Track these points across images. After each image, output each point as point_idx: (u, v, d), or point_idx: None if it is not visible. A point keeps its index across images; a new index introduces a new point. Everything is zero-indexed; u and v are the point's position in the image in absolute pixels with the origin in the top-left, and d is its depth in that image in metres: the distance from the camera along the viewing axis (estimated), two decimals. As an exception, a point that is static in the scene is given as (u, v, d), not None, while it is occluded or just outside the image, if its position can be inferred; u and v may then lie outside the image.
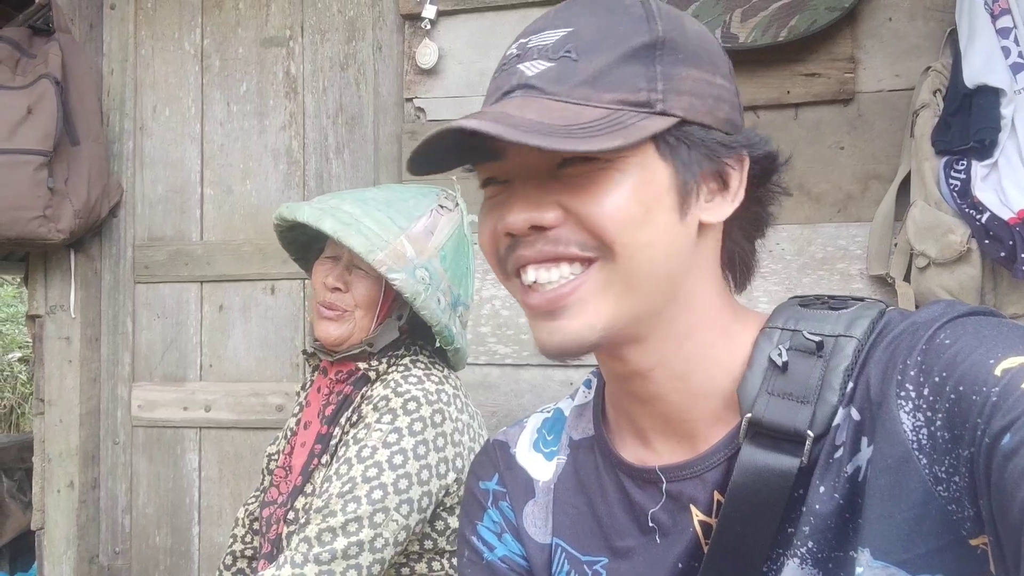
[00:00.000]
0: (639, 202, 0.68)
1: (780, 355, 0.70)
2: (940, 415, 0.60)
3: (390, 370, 1.49)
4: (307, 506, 1.42)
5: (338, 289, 1.49)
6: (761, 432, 0.69)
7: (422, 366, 1.50)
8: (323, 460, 1.46)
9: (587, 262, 0.69)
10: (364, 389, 1.48)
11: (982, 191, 1.75)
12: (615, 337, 0.71)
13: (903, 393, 0.62)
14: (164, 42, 2.61)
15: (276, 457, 1.65)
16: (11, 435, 5.56)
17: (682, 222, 0.70)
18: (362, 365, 1.49)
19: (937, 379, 0.60)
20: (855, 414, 0.66)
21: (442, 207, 1.54)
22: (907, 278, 1.90)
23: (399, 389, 1.41)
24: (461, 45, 2.29)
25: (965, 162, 1.79)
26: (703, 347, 0.75)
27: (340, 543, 1.29)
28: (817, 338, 0.69)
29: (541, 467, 0.89)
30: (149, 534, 2.57)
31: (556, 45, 0.70)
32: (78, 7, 2.58)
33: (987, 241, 1.74)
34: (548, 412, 0.94)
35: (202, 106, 2.58)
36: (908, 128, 1.95)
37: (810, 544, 0.66)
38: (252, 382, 2.50)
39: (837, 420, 0.66)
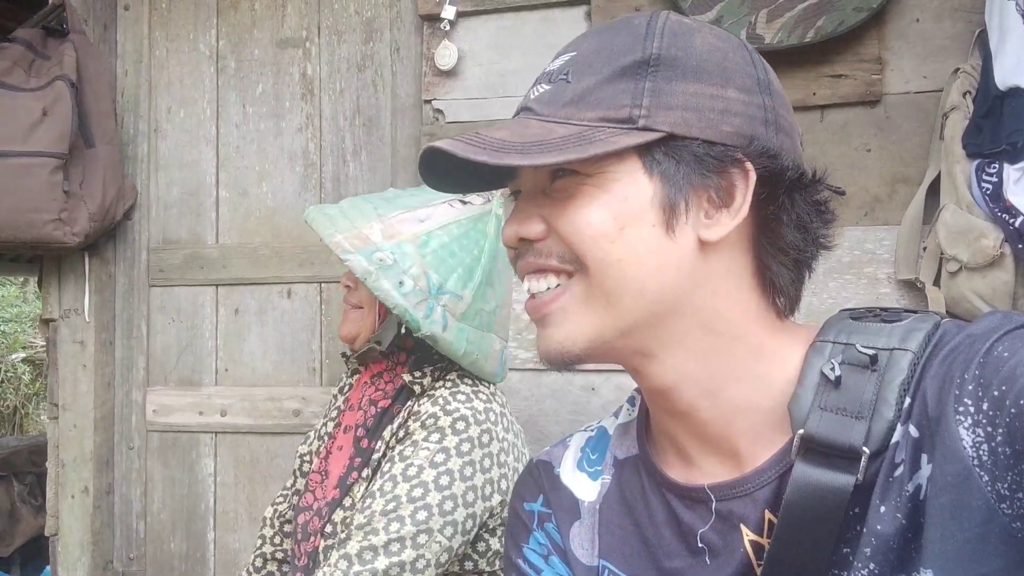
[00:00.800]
0: (612, 217, 0.69)
1: (833, 369, 0.69)
2: (1001, 430, 0.58)
3: (437, 385, 1.47)
4: (346, 520, 1.40)
5: (349, 287, 1.56)
6: (814, 449, 0.67)
7: (470, 382, 1.48)
8: (364, 474, 1.44)
9: (568, 275, 0.73)
10: (410, 404, 1.46)
11: (1015, 194, 1.72)
12: (606, 350, 0.73)
13: (961, 408, 0.61)
14: (179, 43, 2.59)
15: (309, 458, 1.63)
16: (21, 438, 5.54)
17: (670, 238, 0.70)
18: (406, 377, 1.47)
19: (996, 393, 0.59)
20: (913, 431, 0.64)
21: (463, 202, 1.53)
22: (937, 282, 1.88)
23: (448, 407, 1.39)
24: (481, 46, 2.27)
25: (997, 165, 1.77)
26: (733, 365, 0.73)
27: (381, 563, 1.27)
28: (871, 351, 0.68)
29: (586, 487, 0.88)
30: (164, 540, 2.55)
31: (560, 69, 0.74)
32: (92, 8, 2.56)
33: (1021, 246, 1.71)
34: (591, 431, 0.93)
35: (217, 108, 2.55)
36: (937, 130, 1.92)
37: (872, 566, 0.64)
38: (268, 386, 2.48)
39: (896, 437, 0.65)
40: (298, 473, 1.66)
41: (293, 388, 2.46)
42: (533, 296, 0.75)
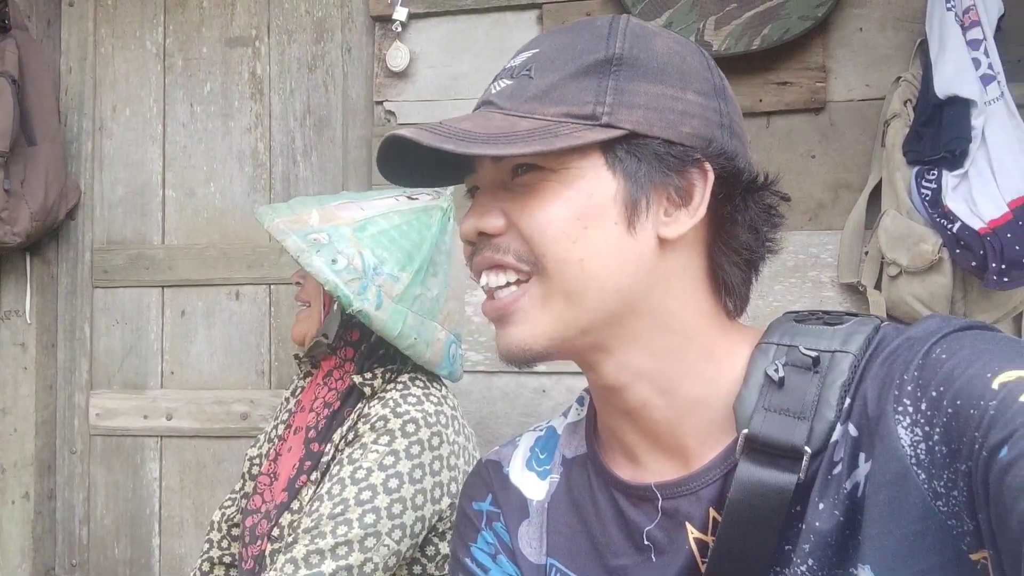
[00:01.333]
0: (575, 216, 0.70)
1: (776, 371, 0.70)
2: (938, 429, 0.59)
3: (387, 387, 1.45)
4: (294, 523, 1.38)
5: (299, 283, 1.58)
6: (758, 448, 0.68)
7: (421, 384, 1.47)
8: (312, 477, 1.42)
9: (526, 275, 0.73)
10: (360, 406, 1.45)
11: (953, 201, 1.77)
12: (567, 346, 0.74)
13: (900, 408, 0.62)
14: (125, 40, 2.54)
15: (258, 461, 1.61)
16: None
17: (631, 235, 0.71)
18: (356, 379, 1.46)
19: (934, 393, 0.60)
20: (852, 430, 0.65)
21: (410, 198, 1.54)
22: (878, 286, 1.92)
23: (398, 410, 1.38)
24: (433, 48, 2.27)
25: (936, 172, 1.81)
26: (686, 364, 0.74)
27: (328, 566, 1.26)
28: (813, 353, 0.69)
29: (535, 486, 0.88)
30: (107, 546, 2.50)
31: (522, 64, 0.75)
32: (35, 3, 2.50)
33: (958, 250, 1.76)
34: (541, 431, 0.93)
35: (164, 106, 2.51)
36: (879, 137, 1.97)
37: (810, 562, 0.65)
38: (215, 389, 2.44)
39: (835, 436, 0.66)
40: (247, 476, 1.63)
41: (241, 391, 2.43)
42: (492, 297, 0.75)
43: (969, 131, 1.76)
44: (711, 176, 0.71)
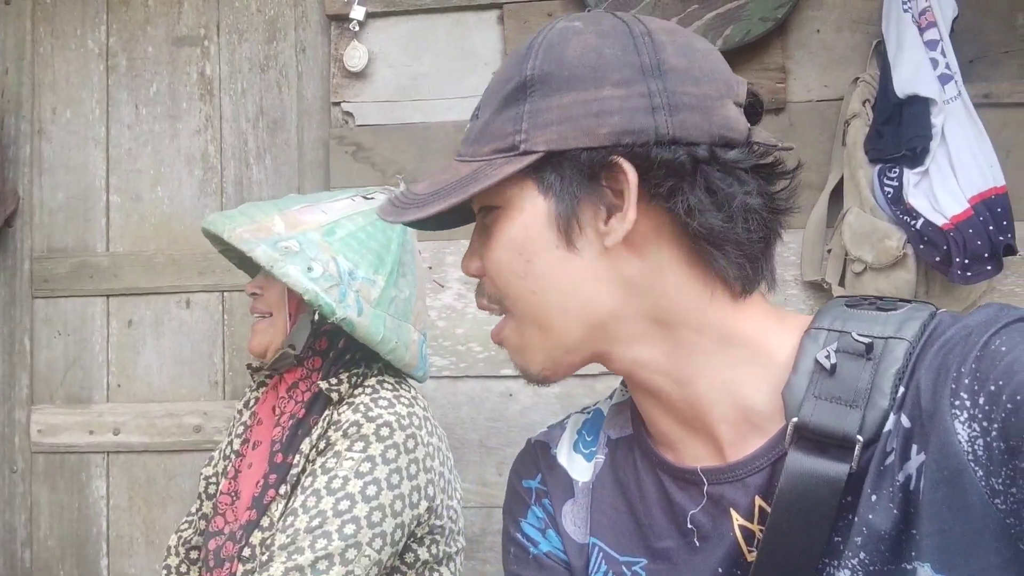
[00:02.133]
0: (516, 252, 0.72)
1: (828, 357, 0.68)
2: (996, 425, 0.58)
3: (355, 392, 1.41)
4: (266, 542, 1.32)
5: (255, 294, 1.50)
6: (807, 437, 0.67)
7: (389, 387, 1.42)
8: (281, 491, 1.36)
9: (500, 311, 0.77)
10: (328, 413, 1.39)
11: (915, 198, 1.80)
12: (562, 365, 0.76)
13: (957, 402, 0.60)
14: (65, 40, 2.44)
15: (215, 480, 1.54)
16: None
17: (575, 254, 0.71)
18: (323, 384, 1.41)
19: (993, 388, 0.59)
20: (905, 421, 0.64)
21: (366, 198, 1.51)
22: (842, 283, 1.94)
23: (370, 414, 1.33)
24: (392, 48, 2.22)
25: (897, 170, 1.84)
26: (700, 355, 0.73)
27: None
28: (867, 340, 0.67)
29: (581, 468, 0.87)
30: (52, 568, 2.38)
31: (477, 105, 0.77)
32: (-33, 1, 2.39)
33: (922, 246, 1.79)
34: (588, 413, 0.93)
35: (107, 108, 2.41)
36: (839, 137, 2.00)
37: (862, 555, 0.64)
38: (166, 402, 2.35)
39: (888, 426, 0.64)
40: (204, 496, 1.55)
41: (193, 403, 2.34)
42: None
43: (929, 129, 1.79)
44: (631, 175, 0.67)
